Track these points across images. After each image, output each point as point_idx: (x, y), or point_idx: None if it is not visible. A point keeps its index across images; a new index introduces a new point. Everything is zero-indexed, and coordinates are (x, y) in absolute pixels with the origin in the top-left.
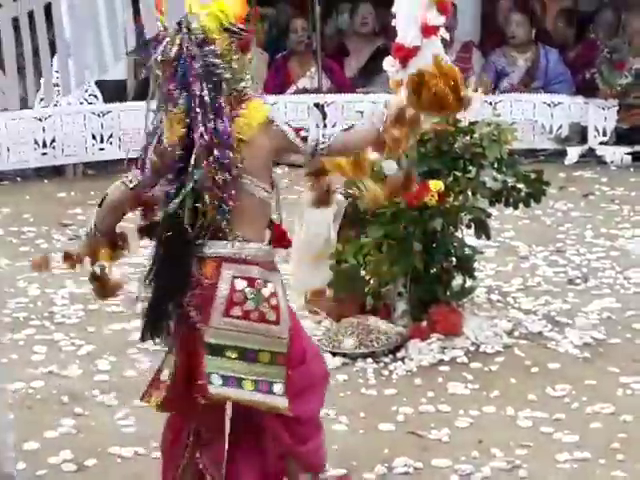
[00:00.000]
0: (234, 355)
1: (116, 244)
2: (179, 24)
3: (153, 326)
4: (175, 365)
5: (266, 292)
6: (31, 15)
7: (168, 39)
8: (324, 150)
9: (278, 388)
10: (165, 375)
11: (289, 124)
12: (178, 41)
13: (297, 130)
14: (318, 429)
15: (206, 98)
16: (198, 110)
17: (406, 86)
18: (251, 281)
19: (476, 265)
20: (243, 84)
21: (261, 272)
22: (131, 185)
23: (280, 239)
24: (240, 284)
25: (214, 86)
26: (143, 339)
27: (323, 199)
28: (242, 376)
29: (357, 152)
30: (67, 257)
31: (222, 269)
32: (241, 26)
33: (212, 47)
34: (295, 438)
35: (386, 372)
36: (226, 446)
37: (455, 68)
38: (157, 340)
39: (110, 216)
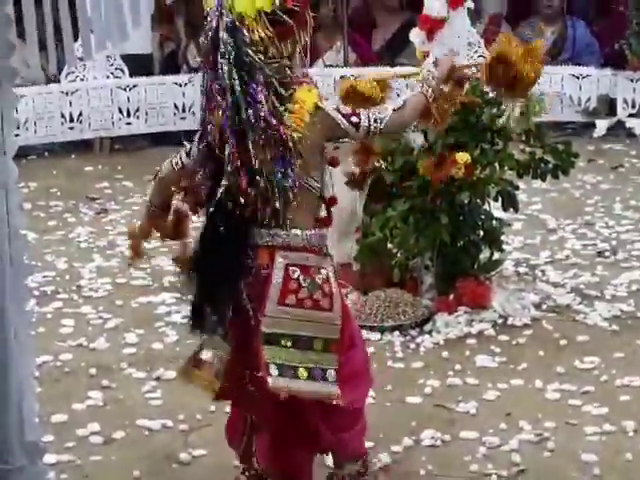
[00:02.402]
0: (289, 343)
1: (178, 221)
2: (218, 8)
3: (204, 315)
4: (226, 354)
5: (320, 279)
6: None
7: (207, 25)
8: (376, 134)
9: (331, 375)
10: (207, 355)
11: (339, 109)
12: (213, 25)
13: (348, 116)
14: (361, 417)
15: (233, 84)
16: (219, 96)
17: (486, 64)
18: (305, 269)
19: (504, 238)
20: (286, 72)
21: (314, 259)
22: (176, 167)
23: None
24: (294, 272)
25: (247, 73)
26: (194, 328)
27: (359, 182)
28: (297, 364)
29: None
30: (131, 236)
31: (276, 257)
32: (283, 14)
33: (243, 33)
34: (337, 427)
35: (413, 345)
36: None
37: (540, 46)
38: (208, 330)
39: (160, 191)
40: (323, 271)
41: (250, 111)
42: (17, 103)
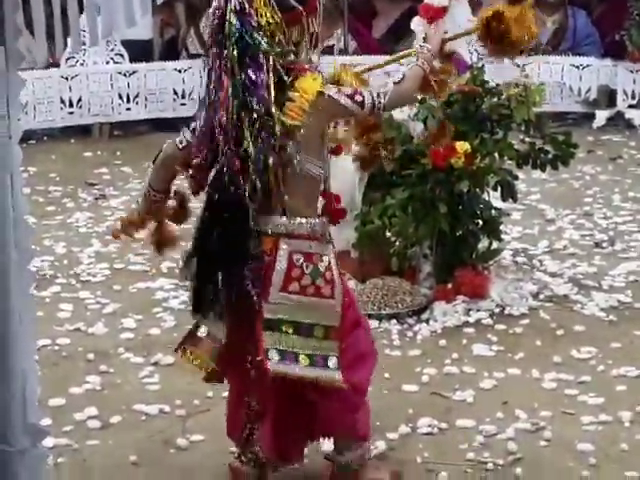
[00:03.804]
0: (290, 330)
1: (179, 206)
2: None
3: (204, 298)
4: (222, 336)
5: (322, 266)
6: None
7: (215, 4)
8: (381, 109)
9: (332, 362)
10: (202, 332)
11: (341, 90)
12: (222, 4)
13: (352, 96)
14: (364, 398)
15: (234, 66)
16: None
17: (479, 22)
18: (308, 256)
19: (502, 227)
20: (291, 58)
21: (317, 246)
22: (180, 146)
23: (335, 213)
24: (298, 260)
25: (250, 56)
26: (196, 311)
27: (371, 160)
28: (298, 351)
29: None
30: (129, 223)
31: (280, 245)
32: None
33: (251, 16)
34: (343, 408)
35: (411, 333)
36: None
37: (530, 9)
38: (209, 312)
39: (162, 173)
40: (325, 258)
41: (247, 94)
42: (23, 87)
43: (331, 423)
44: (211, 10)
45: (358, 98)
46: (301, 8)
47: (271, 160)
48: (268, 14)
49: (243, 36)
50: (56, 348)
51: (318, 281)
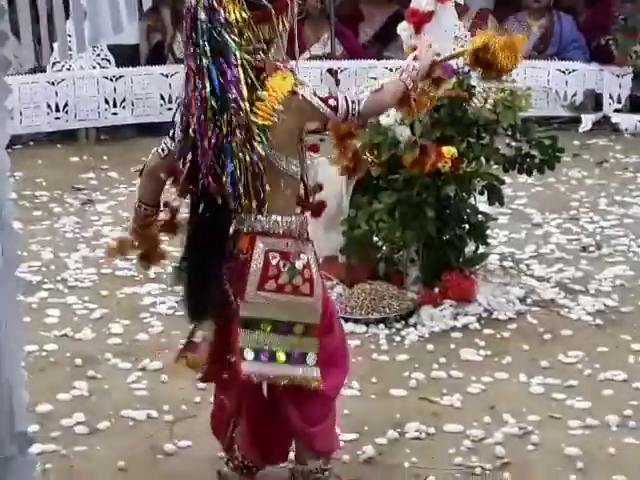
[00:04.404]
0: (268, 328)
1: (171, 219)
2: None
3: (199, 304)
4: (210, 337)
5: (300, 265)
6: None
7: (187, 4)
8: (355, 116)
9: (311, 359)
10: (199, 337)
11: (316, 94)
12: (193, 4)
13: (326, 99)
14: (332, 411)
15: (206, 63)
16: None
17: (468, 53)
18: (285, 254)
19: (489, 232)
20: (261, 56)
21: (294, 245)
22: (162, 154)
23: (314, 209)
24: (274, 258)
25: (220, 53)
26: (193, 319)
27: (354, 168)
28: (275, 348)
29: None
30: (124, 243)
31: (256, 243)
32: None
33: (220, 14)
34: (307, 418)
35: (398, 338)
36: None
37: (520, 39)
38: (205, 318)
39: (150, 185)
40: (303, 256)
41: (220, 91)
42: (9, 94)
43: (297, 430)
44: (184, 10)
45: (332, 102)
46: (270, 6)
47: (247, 158)
48: (237, 11)
49: (212, 33)
50: (43, 354)
51: (296, 279)
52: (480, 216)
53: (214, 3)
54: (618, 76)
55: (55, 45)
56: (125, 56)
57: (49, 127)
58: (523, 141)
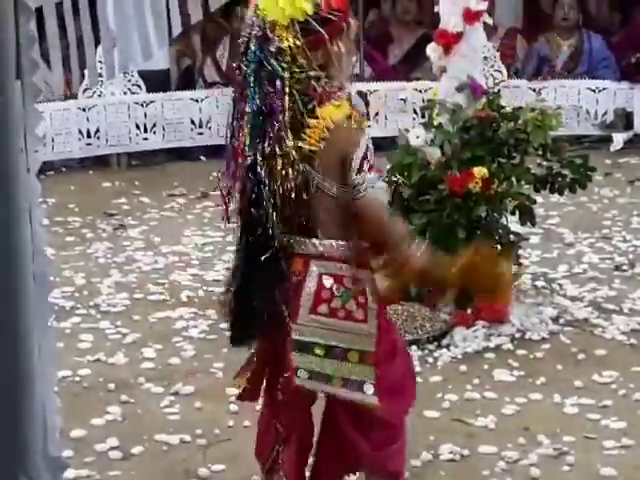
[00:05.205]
0: (322, 352)
1: None
2: (251, 18)
3: (246, 327)
4: (255, 357)
5: (354, 289)
6: (75, 4)
7: (242, 34)
8: (359, 195)
9: (368, 388)
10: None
11: (368, 146)
12: (246, 35)
13: (363, 162)
14: (401, 432)
15: (252, 92)
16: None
17: (459, 268)
18: (339, 278)
19: (521, 252)
20: (318, 82)
21: (349, 269)
22: None
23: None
24: (328, 281)
25: (268, 81)
26: (235, 343)
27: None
28: (330, 373)
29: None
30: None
31: (310, 266)
32: (318, 22)
33: (271, 42)
34: (376, 441)
35: (431, 359)
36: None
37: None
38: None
39: None
40: (359, 282)
41: (263, 119)
42: (40, 121)
43: (361, 457)
44: (240, 40)
45: (365, 165)
46: (323, 31)
47: (287, 185)
48: (290, 39)
49: (262, 62)
50: (77, 379)
51: (349, 304)
52: (512, 236)
53: (267, 32)
54: None
55: (85, 72)
56: (156, 81)
57: (81, 153)
58: (554, 160)
